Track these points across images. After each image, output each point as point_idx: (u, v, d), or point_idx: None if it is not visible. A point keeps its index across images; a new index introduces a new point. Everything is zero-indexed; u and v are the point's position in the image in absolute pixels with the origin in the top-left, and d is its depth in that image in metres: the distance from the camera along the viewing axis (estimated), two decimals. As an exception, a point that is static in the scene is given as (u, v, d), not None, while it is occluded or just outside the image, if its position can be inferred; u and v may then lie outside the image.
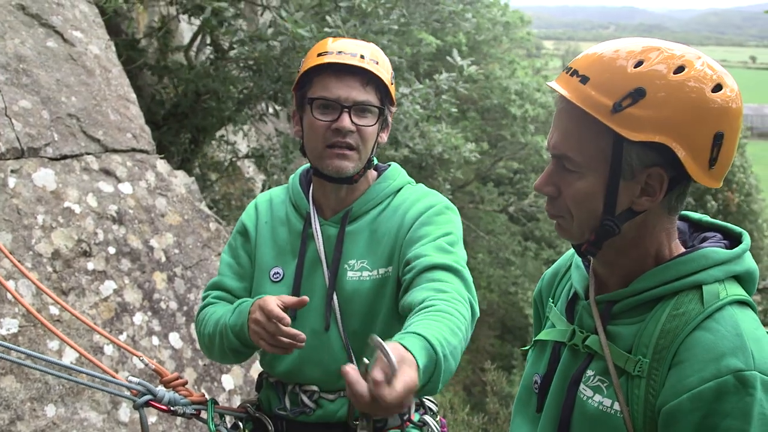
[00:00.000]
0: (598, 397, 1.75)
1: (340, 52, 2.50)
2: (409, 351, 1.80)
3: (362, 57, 2.51)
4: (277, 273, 2.64)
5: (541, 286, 2.17)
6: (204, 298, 2.75)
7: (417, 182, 2.77)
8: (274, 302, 2.31)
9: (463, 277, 2.34)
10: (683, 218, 1.88)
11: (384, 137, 2.64)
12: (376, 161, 2.73)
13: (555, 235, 18.94)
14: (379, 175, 2.71)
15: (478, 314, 2.31)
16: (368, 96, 2.52)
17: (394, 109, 2.68)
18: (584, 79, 1.66)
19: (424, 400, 2.89)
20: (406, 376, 1.70)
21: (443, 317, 2.09)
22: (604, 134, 1.64)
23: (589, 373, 1.79)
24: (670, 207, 1.72)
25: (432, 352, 1.89)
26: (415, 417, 2.80)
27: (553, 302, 2.04)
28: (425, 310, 2.12)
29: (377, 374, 1.64)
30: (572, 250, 2.01)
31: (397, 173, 2.72)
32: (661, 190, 1.66)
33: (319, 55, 2.52)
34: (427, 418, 2.83)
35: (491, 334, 18.55)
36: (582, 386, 1.79)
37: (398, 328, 2.12)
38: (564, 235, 1.82)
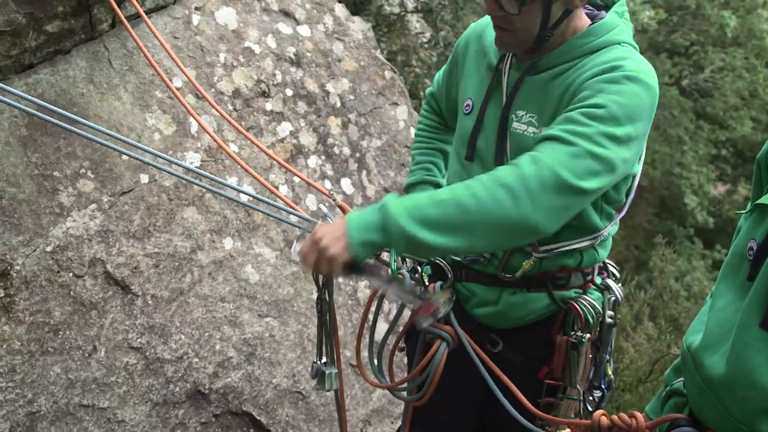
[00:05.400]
0: None
1: None
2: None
3: None
4: (468, 105, 2.54)
5: (767, 148, 1.96)
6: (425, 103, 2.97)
7: None
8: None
9: (566, 141, 2.12)
10: None
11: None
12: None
13: (729, 115, 17.70)
14: (592, 23, 2.36)
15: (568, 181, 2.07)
16: None
17: None
18: None
19: (607, 263, 2.76)
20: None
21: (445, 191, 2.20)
22: None
23: None
24: None
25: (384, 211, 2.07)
26: (597, 279, 2.70)
27: None
28: None
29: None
30: None
31: (607, 28, 2.33)
32: None
33: None
34: (610, 282, 2.71)
35: (649, 211, 17.87)
36: None
37: None
38: None
